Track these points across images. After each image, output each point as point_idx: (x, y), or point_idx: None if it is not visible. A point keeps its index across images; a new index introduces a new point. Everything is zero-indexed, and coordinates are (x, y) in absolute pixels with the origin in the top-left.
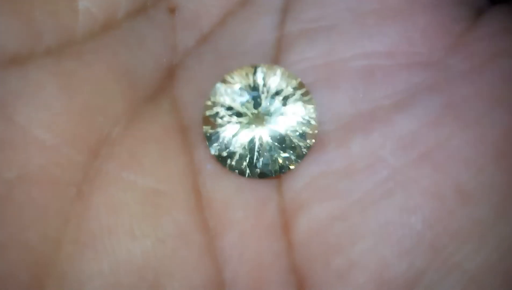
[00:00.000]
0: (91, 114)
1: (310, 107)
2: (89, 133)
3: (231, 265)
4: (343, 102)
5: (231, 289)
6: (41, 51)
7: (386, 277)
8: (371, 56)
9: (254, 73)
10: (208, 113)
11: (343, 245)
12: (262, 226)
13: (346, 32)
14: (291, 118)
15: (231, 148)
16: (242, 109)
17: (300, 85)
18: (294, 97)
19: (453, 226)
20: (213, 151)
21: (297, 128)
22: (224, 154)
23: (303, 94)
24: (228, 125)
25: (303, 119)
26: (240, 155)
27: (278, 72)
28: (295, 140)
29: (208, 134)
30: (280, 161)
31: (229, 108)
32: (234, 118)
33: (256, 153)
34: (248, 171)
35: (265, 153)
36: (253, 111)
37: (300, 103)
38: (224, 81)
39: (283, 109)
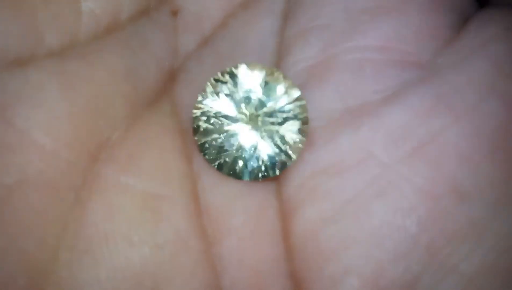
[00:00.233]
0: (92, 118)
1: (302, 105)
2: (90, 137)
3: (230, 272)
4: (333, 97)
5: None
6: (43, 53)
7: (381, 283)
8: (363, 50)
9: (233, 75)
10: (196, 124)
11: (336, 250)
12: (261, 232)
13: (340, 28)
14: (283, 118)
15: (225, 153)
16: (231, 113)
17: (292, 85)
18: (286, 97)
19: (449, 227)
20: (208, 158)
21: (290, 127)
22: (220, 160)
23: (295, 94)
24: (219, 131)
25: (296, 118)
26: (234, 159)
27: (271, 73)
28: (288, 140)
29: (200, 143)
30: (275, 161)
31: (218, 114)
32: (225, 123)
33: (250, 156)
34: (244, 174)
35: (260, 155)
36: (245, 113)
37: (292, 103)
38: (211, 85)
39: (275, 110)
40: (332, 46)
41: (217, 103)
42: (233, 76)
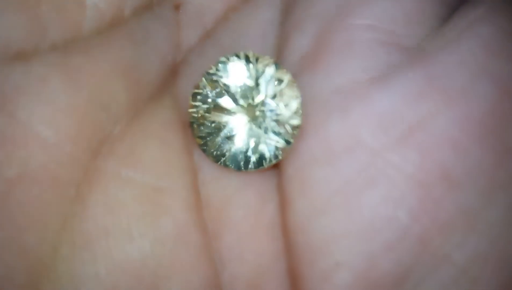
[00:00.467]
0: (95, 111)
1: (296, 93)
2: (92, 130)
3: (229, 267)
4: (322, 79)
5: None
6: (47, 46)
7: (373, 275)
8: (352, 29)
9: (225, 67)
10: (193, 118)
11: (327, 243)
12: (261, 226)
13: (333, 13)
14: (277, 105)
15: (223, 144)
16: (227, 105)
17: (285, 72)
18: (281, 86)
19: (440, 216)
20: (207, 152)
21: (286, 113)
22: (218, 151)
23: (289, 84)
24: (216, 124)
25: (290, 105)
26: (233, 149)
27: (264, 61)
28: (286, 127)
29: (198, 137)
30: (272, 149)
31: (214, 106)
32: (221, 115)
33: (248, 145)
34: (244, 165)
35: (257, 143)
36: (240, 104)
37: (286, 91)
38: (204, 79)
39: (269, 97)
40: (325, 31)
41: (212, 96)
42: (225, 68)
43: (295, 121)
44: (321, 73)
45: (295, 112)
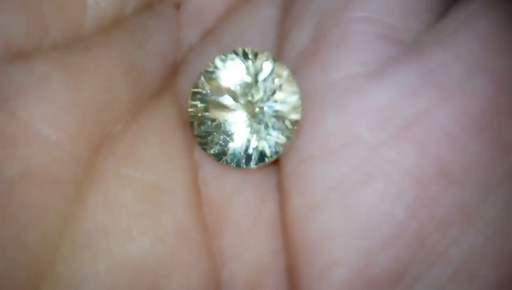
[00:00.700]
0: (96, 110)
1: (295, 89)
2: (93, 129)
3: (230, 265)
4: (319, 72)
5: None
6: (48, 45)
7: (370, 273)
8: (349, 22)
9: (224, 64)
10: (192, 117)
11: (324, 240)
12: (261, 224)
13: (330, 8)
14: (276, 101)
15: (224, 142)
16: (226, 102)
17: (283, 67)
18: (279, 82)
19: (437, 212)
20: (208, 150)
21: (285, 109)
22: (218, 150)
23: (288, 79)
24: (216, 121)
25: (289, 101)
26: (233, 147)
27: (261, 57)
28: (286, 123)
29: (198, 135)
30: (273, 145)
31: (213, 104)
32: (221, 113)
33: (248, 142)
34: (244, 161)
35: (258, 140)
36: (239, 101)
37: (285, 87)
38: (203, 77)
39: (268, 93)
40: (323, 25)
41: (211, 94)
42: (223, 65)
43: (295, 116)
44: (318, 68)
45: (295, 107)
